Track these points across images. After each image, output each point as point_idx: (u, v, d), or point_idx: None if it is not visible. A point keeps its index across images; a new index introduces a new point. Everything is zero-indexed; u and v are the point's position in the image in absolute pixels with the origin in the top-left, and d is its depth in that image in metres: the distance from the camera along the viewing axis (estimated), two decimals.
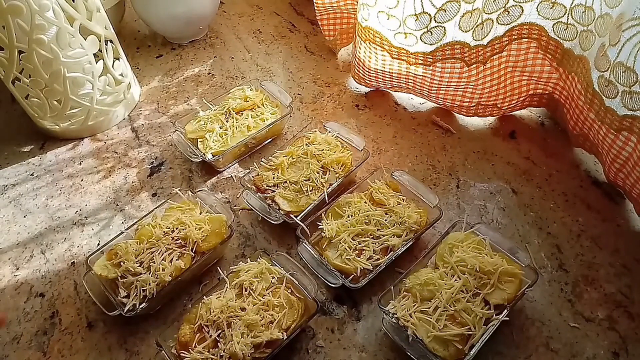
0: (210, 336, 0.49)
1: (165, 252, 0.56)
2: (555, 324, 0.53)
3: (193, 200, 0.63)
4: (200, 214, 0.60)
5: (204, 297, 0.53)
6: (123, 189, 0.70)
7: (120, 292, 0.53)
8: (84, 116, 0.75)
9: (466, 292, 0.50)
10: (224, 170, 0.72)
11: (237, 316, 0.50)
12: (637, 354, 0.51)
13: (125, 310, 0.52)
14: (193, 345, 0.49)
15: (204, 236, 0.57)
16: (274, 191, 0.62)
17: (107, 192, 0.70)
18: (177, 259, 0.55)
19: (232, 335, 0.49)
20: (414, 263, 0.55)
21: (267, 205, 0.62)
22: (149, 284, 0.53)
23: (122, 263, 0.55)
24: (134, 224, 0.60)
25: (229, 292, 0.53)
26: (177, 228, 0.58)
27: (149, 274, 0.54)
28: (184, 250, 0.56)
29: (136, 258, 0.55)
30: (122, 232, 0.60)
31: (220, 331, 0.49)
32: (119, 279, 0.54)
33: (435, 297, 0.50)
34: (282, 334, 0.49)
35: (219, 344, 0.49)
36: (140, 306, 0.52)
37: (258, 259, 0.56)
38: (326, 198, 0.62)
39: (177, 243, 0.57)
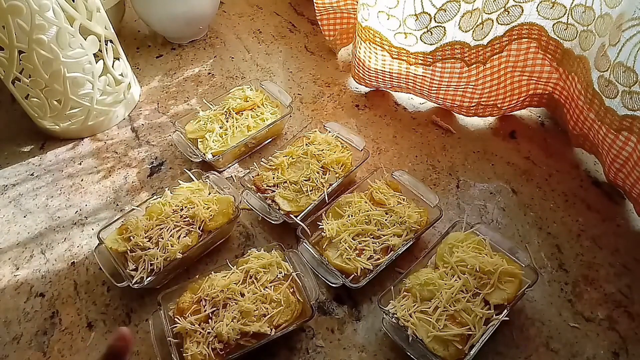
0: (205, 311, 0.51)
1: (173, 229, 0.58)
2: (555, 324, 0.53)
3: (203, 182, 0.64)
4: (209, 194, 0.62)
5: (213, 272, 0.54)
6: (123, 189, 0.70)
7: (129, 265, 0.56)
8: (84, 116, 0.75)
9: (466, 292, 0.50)
10: (224, 170, 0.72)
11: (234, 300, 0.51)
12: (637, 354, 0.51)
13: (133, 282, 0.54)
14: (187, 314, 0.50)
15: (211, 215, 0.59)
16: (274, 191, 0.62)
17: (107, 192, 0.70)
18: (184, 236, 0.57)
19: (224, 316, 0.50)
20: (414, 263, 0.55)
21: (267, 205, 0.62)
22: (157, 258, 0.55)
23: (131, 238, 0.57)
24: (144, 202, 0.62)
25: (235, 274, 0.54)
26: (185, 207, 0.60)
27: (157, 249, 0.56)
28: (192, 228, 0.58)
29: (145, 233, 0.58)
30: (133, 209, 0.61)
31: (215, 309, 0.51)
32: (128, 252, 0.56)
33: (435, 297, 0.50)
34: (271, 330, 0.49)
35: (210, 320, 0.50)
36: (148, 279, 0.54)
37: (272, 251, 0.56)
38: (326, 198, 0.62)
39: (185, 221, 0.59)
